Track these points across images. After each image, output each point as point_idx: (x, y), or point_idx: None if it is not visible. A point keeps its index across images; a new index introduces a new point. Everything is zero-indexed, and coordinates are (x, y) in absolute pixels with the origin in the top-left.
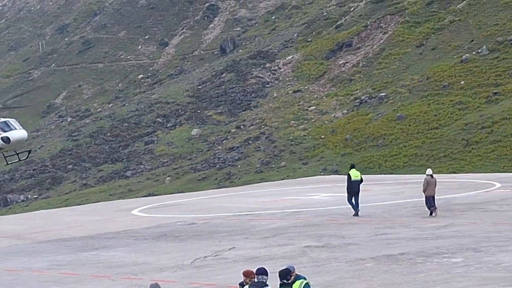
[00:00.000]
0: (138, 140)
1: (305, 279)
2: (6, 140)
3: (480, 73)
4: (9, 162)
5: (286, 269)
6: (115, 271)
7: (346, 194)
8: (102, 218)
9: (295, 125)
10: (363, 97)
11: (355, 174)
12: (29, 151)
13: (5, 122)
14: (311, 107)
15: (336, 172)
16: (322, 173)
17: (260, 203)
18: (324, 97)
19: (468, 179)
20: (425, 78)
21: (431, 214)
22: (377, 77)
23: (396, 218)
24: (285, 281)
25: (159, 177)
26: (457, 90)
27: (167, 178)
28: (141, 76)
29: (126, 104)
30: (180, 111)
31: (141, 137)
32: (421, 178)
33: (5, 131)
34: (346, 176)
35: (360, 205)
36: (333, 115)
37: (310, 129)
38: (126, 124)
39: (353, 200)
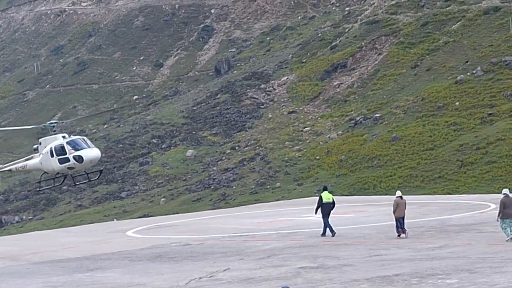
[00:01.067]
0: (133, 161)
1: None
2: (79, 159)
3: (474, 94)
4: (77, 183)
5: None
6: None
7: (320, 216)
8: (96, 239)
9: (290, 146)
10: (358, 118)
11: (327, 196)
12: (101, 171)
13: (77, 139)
14: (306, 128)
15: (331, 194)
16: (317, 194)
17: (255, 224)
18: (319, 118)
19: (463, 200)
20: (420, 99)
21: (399, 235)
22: (372, 98)
23: (390, 239)
24: None
25: (154, 198)
26: (452, 111)
27: (162, 199)
28: (136, 97)
29: (121, 125)
30: (175, 132)
31: (136, 158)
32: (417, 199)
33: (77, 150)
34: (318, 198)
35: (334, 227)
36: (328, 136)
37: (305, 150)
38: (121, 145)
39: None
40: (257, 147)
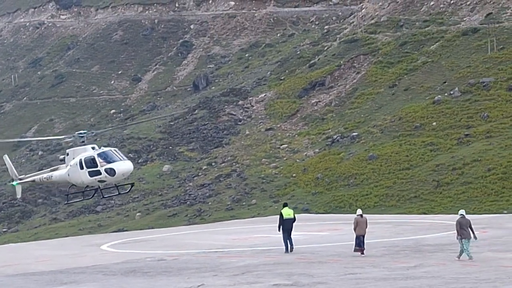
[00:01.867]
0: None
1: None
2: (111, 172)
3: (452, 114)
4: (105, 196)
5: None
6: None
7: (281, 234)
8: (71, 253)
9: (266, 163)
10: (335, 136)
11: (287, 212)
12: (132, 184)
13: (108, 151)
14: (283, 146)
15: (307, 211)
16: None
17: (230, 240)
18: (296, 136)
19: (438, 220)
20: (397, 118)
21: (361, 253)
22: (349, 116)
23: (365, 258)
24: None
25: (129, 213)
26: (428, 131)
27: (137, 214)
28: (113, 111)
29: (98, 139)
30: (151, 147)
31: None
32: (392, 218)
33: (108, 162)
34: (279, 214)
35: (294, 244)
36: (304, 153)
37: (281, 167)
38: None
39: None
40: (234, 164)
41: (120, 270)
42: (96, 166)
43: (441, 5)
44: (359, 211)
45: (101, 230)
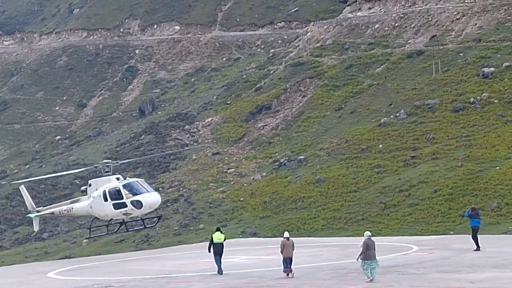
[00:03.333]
0: (55, 202)
1: None
2: (137, 205)
3: (398, 136)
4: (130, 229)
5: None
6: None
7: (212, 257)
8: (17, 281)
9: (214, 187)
10: (282, 160)
11: (217, 237)
12: (159, 217)
13: (134, 182)
14: (230, 170)
15: (255, 235)
16: (240, 236)
17: (178, 265)
18: (243, 160)
19: (385, 242)
20: (343, 141)
21: (287, 275)
22: (296, 140)
23: (313, 281)
24: None
25: (76, 239)
26: (375, 154)
27: (84, 241)
28: (58, 137)
29: (44, 166)
30: (98, 173)
31: (58, 199)
32: (340, 241)
33: (134, 194)
34: (210, 238)
35: (222, 268)
36: (252, 177)
37: (229, 192)
38: (43, 186)
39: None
40: (181, 188)
41: None
42: (122, 198)
43: (386, 28)
44: (286, 234)
45: (47, 258)
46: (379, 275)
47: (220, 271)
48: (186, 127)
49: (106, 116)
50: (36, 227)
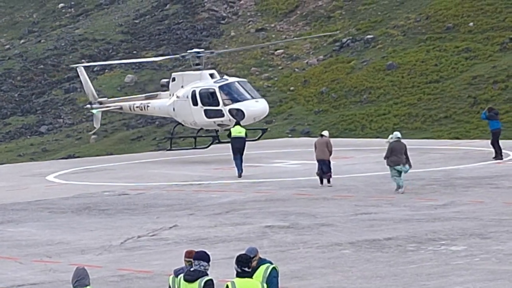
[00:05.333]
0: (57, 87)
1: (271, 263)
2: (238, 115)
3: (494, 12)
4: (222, 141)
5: (245, 254)
6: (25, 252)
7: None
8: (9, 185)
9: (257, 73)
10: (344, 40)
11: (237, 130)
12: (264, 130)
13: (235, 84)
14: (278, 51)
15: (307, 134)
16: (290, 135)
17: (210, 170)
18: (295, 38)
19: (475, 146)
20: (423, 17)
21: (321, 182)
22: (363, 14)
23: (382, 194)
24: (246, 269)
25: (82, 135)
26: (464, 34)
27: (93, 136)
28: (61, 4)
29: (42, 41)
30: (111, 51)
31: (60, 83)
32: (417, 144)
33: (235, 100)
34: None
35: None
36: (306, 61)
37: (276, 79)
38: (42, 66)
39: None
40: None
41: (70, 207)
42: (217, 105)
43: None
44: (325, 132)
45: (46, 156)
46: (464, 188)
47: (240, 173)
48: None
49: None
50: (97, 124)
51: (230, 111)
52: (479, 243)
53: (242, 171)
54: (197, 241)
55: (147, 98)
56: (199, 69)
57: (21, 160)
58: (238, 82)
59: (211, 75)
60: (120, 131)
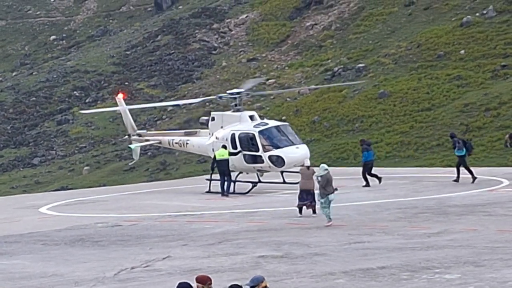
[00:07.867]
0: (49, 119)
1: None
2: (277, 161)
3: (485, 40)
4: (264, 182)
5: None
6: (18, 284)
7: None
8: (1, 217)
9: (249, 102)
10: (336, 69)
11: (220, 153)
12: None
13: (275, 129)
14: (270, 80)
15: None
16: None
17: (203, 201)
18: (286, 68)
19: (467, 174)
20: (415, 45)
21: (300, 211)
22: (354, 43)
23: (375, 223)
24: None
25: (74, 166)
26: (455, 62)
27: (85, 168)
28: (53, 37)
29: (35, 73)
30: (103, 82)
31: (52, 115)
32: (409, 172)
33: (276, 147)
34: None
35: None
36: (297, 90)
37: (268, 108)
38: (34, 98)
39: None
40: (207, 104)
41: (63, 239)
42: (257, 150)
43: None
44: (306, 162)
45: (39, 188)
46: (458, 216)
47: (224, 193)
48: (215, 25)
49: (114, 11)
50: (136, 156)
51: (270, 157)
52: (473, 271)
53: (226, 191)
54: (191, 272)
55: (186, 134)
56: (238, 110)
57: (14, 192)
58: (278, 126)
59: (251, 117)
60: (112, 162)
